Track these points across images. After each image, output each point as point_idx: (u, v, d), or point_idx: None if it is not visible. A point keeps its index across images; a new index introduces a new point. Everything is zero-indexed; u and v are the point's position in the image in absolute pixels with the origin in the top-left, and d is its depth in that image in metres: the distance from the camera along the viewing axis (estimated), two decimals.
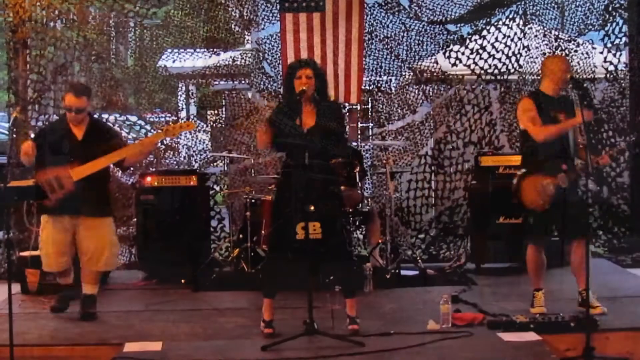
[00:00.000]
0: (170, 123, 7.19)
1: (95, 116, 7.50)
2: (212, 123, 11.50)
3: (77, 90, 6.73)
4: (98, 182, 6.66)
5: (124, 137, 9.06)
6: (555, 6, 9.79)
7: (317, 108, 6.14)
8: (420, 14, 9.76)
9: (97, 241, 6.70)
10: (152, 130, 10.10)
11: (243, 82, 10.83)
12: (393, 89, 10.13)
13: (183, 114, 11.53)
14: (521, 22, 9.69)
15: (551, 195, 6.31)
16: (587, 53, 9.57)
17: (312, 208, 5.90)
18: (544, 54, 9.62)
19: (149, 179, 8.62)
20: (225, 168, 9.96)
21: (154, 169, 9.43)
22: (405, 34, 9.86)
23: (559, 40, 9.67)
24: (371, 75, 9.98)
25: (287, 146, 6.16)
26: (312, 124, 6.08)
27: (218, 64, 10.49)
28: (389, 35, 9.88)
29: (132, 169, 8.44)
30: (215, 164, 10.63)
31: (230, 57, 10.46)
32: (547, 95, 6.42)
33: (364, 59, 9.29)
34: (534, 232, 6.53)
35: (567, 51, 9.56)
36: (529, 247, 6.59)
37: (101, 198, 6.79)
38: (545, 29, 9.76)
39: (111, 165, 6.94)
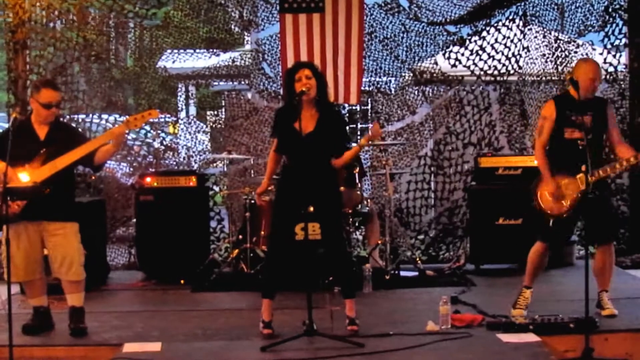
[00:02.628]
0: (133, 115, 6.65)
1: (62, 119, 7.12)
2: (211, 124, 11.52)
3: (53, 84, 6.39)
4: (61, 184, 6.20)
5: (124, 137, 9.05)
6: (555, 7, 9.79)
7: (319, 113, 6.13)
8: (420, 15, 9.76)
9: (65, 249, 6.27)
10: (151, 131, 10.12)
11: (243, 82, 10.84)
12: (393, 89, 10.13)
13: (182, 114, 11.53)
14: (521, 23, 9.69)
15: (571, 197, 6.25)
16: (586, 54, 9.56)
17: (312, 209, 5.91)
18: (544, 55, 9.63)
19: (148, 179, 8.62)
20: (225, 169, 9.97)
21: (153, 170, 9.44)
22: (404, 35, 9.86)
23: (558, 41, 9.67)
24: (371, 76, 9.97)
25: (287, 149, 6.18)
26: (311, 129, 6.07)
27: (217, 65, 10.50)
28: (388, 36, 9.88)
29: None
30: (214, 164, 10.64)
31: (230, 57, 10.46)
32: (573, 98, 6.22)
33: (363, 59, 9.30)
34: (551, 234, 6.39)
35: (566, 52, 9.57)
36: (537, 243, 6.46)
37: (65, 201, 6.32)
38: (545, 30, 9.77)
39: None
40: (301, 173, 5.95)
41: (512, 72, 9.70)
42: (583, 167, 6.04)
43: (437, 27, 9.81)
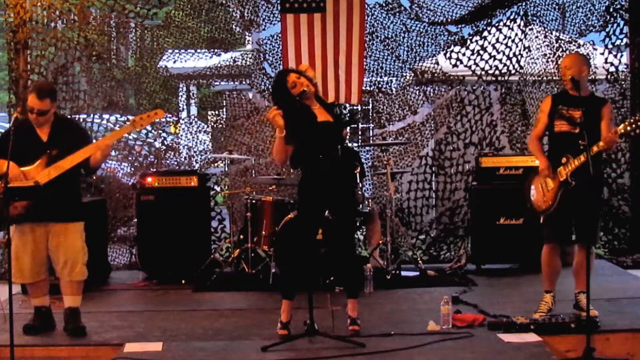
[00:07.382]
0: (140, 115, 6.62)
1: (70, 115, 7.03)
2: (212, 124, 11.51)
3: (40, 92, 6.20)
4: (66, 184, 6.19)
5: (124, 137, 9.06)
6: (556, 7, 9.79)
7: (321, 105, 6.15)
8: (421, 15, 9.77)
9: (70, 249, 6.27)
10: (152, 131, 10.11)
11: (244, 82, 10.84)
12: (394, 89, 10.13)
13: (184, 114, 11.54)
14: (522, 23, 9.69)
15: (554, 190, 6.26)
16: (587, 54, 9.56)
17: (332, 216, 5.95)
18: (545, 55, 9.63)
19: (149, 179, 8.62)
20: (226, 169, 9.96)
21: (154, 170, 9.44)
22: (406, 35, 9.86)
23: (559, 41, 9.68)
24: (372, 75, 9.97)
25: (324, 146, 5.98)
26: (331, 118, 6.08)
27: (219, 65, 10.50)
28: (389, 36, 9.88)
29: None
30: (215, 164, 10.63)
31: (231, 57, 10.47)
32: (567, 93, 6.40)
33: (364, 59, 9.29)
34: (548, 232, 6.44)
35: (567, 52, 9.57)
36: (544, 246, 6.52)
37: (70, 201, 6.32)
38: (546, 30, 9.77)
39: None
40: (333, 166, 5.94)
41: (513, 72, 9.70)
42: (563, 159, 6.13)
43: (438, 27, 9.81)
